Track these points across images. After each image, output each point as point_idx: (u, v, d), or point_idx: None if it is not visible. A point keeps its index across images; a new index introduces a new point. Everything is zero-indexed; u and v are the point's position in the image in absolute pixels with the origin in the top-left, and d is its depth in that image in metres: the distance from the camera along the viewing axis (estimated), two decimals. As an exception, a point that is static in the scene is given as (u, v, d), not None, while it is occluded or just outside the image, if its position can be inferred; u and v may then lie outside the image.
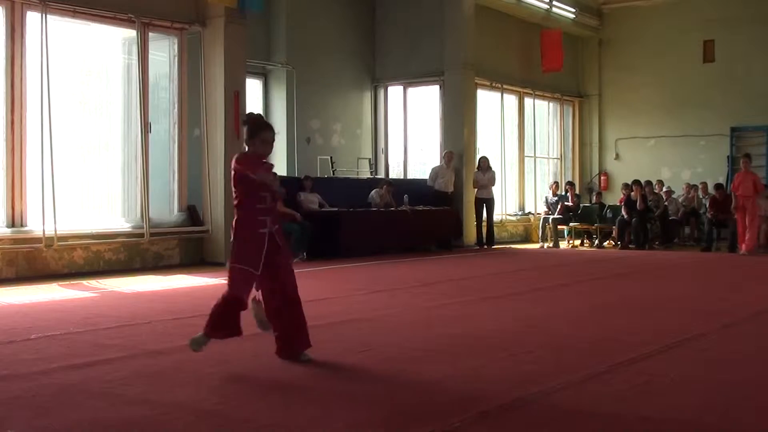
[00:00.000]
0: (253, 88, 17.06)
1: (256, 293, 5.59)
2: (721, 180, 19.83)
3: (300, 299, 5.62)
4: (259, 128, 5.57)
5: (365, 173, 19.06)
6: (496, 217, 19.46)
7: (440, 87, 19.26)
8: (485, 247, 18.13)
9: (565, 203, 19.80)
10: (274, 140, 5.68)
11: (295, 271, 5.63)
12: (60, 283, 10.76)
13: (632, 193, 18.48)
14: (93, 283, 10.93)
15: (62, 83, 12.54)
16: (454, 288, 10.50)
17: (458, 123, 18.51)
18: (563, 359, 5.73)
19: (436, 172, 18.02)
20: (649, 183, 19.41)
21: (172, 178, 13.71)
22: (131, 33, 13.08)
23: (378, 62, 19.86)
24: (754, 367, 5.60)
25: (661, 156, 22.42)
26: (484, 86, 20.15)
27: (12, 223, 11.50)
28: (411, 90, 20.08)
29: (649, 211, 18.38)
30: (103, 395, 4.70)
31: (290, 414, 4.34)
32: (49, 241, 11.57)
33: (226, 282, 5.56)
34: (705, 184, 20.11)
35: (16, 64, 11.58)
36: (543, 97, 22.68)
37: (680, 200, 20.00)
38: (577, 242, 19.83)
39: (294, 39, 17.45)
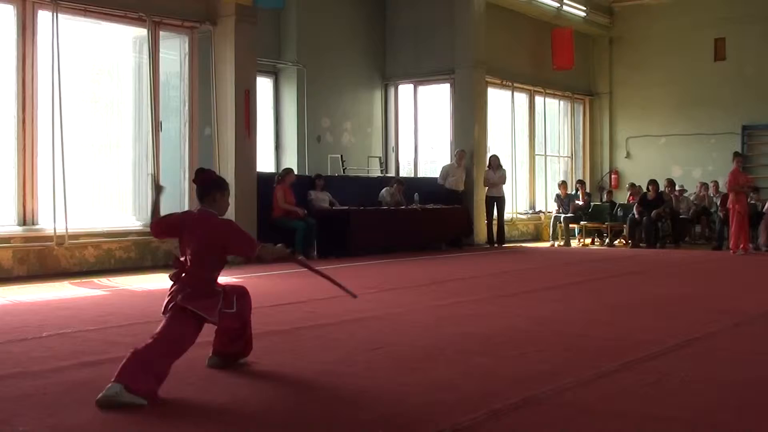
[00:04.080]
0: (264, 87, 17.09)
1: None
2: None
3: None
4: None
5: (376, 172, 19.06)
6: (507, 215, 19.44)
7: (451, 85, 19.27)
8: (496, 245, 18.11)
9: (576, 202, 19.80)
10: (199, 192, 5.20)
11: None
12: (71, 281, 10.79)
13: (648, 193, 18.44)
14: (104, 281, 10.96)
15: (73, 82, 12.58)
16: (464, 286, 10.49)
17: (469, 121, 18.50)
18: (574, 358, 5.72)
19: (446, 171, 18.02)
20: (671, 183, 19.47)
21: (183, 177, 13.73)
22: (142, 32, 13.11)
23: (388, 61, 19.87)
24: (766, 366, 5.58)
25: (672, 154, 22.36)
26: (494, 84, 20.14)
27: (23, 222, 11.55)
28: (421, 88, 20.08)
29: (665, 208, 18.30)
30: (114, 393, 4.70)
31: (299, 412, 4.34)
32: (60, 240, 11.61)
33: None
34: (716, 183, 20.06)
35: (28, 63, 11.63)
36: (554, 96, 22.65)
37: (692, 198, 19.98)
38: (588, 241, 19.81)
39: (305, 38, 17.47)
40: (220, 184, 5.23)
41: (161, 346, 4.68)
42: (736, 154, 17.02)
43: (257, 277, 11.23)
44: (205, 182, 5.20)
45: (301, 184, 15.09)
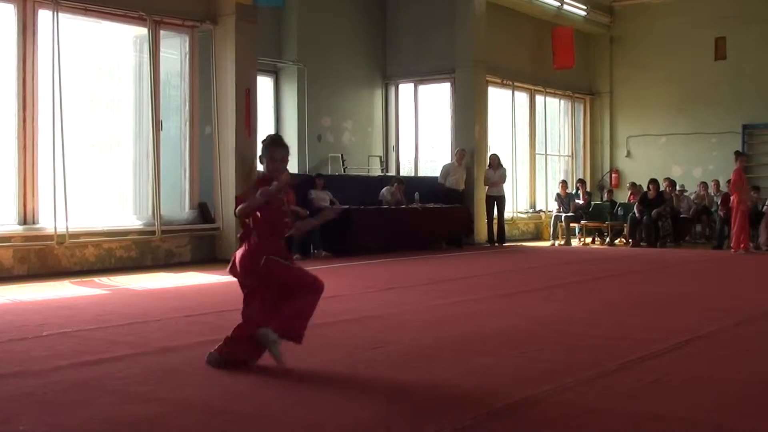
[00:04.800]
0: (265, 86, 17.08)
1: None
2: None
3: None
4: (267, 146, 5.56)
5: (376, 171, 19.06)
6: (507, 214, 19.42)
7: (451, 84, 19.26)
8: (496, 245, 18.10)
9: (576, 201, 19.80)
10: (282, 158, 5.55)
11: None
12: (71, 280, 10.79)
13: (649, 192, 18.43)
14: (104, 280, 10.96)
15: (74, 81, 12.58)
16: (465, 286, 10.49)
17: (469, 120, 18.50)
18: (574, 357, 5.72)
19: (447, 170, 18.02)
20: (671, 183, 19.49)
21: (184, 176, 13.73)
22: (143, 31, 13.11)
23: (389, 60, 19.87)
24: (766, 365, 5.58)
25: (673, 153, 22.36)
26: (495, 84, 20.12)
27: (24, 221, 11.54)
28: (422, 87, 20.08)
29: (665, 208, 18.28)
30: (114, 392, 4.71)
31: (300, 411, 4.34)
32: (60, 239, 11.60)
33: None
34: (717, 182, 20.06)
35: (28, 62, 11.62)
36: (554, 95, 22.64)
37: (692, 198, 19.97)
38: (589, 240, 19.81)
39: (305, 36, 17.47)
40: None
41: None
42: (738, 153, 17.01)
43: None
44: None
45: (302, 184, 15.09)
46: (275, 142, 5.59)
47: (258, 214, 5.31)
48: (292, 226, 5.51)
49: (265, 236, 5.33)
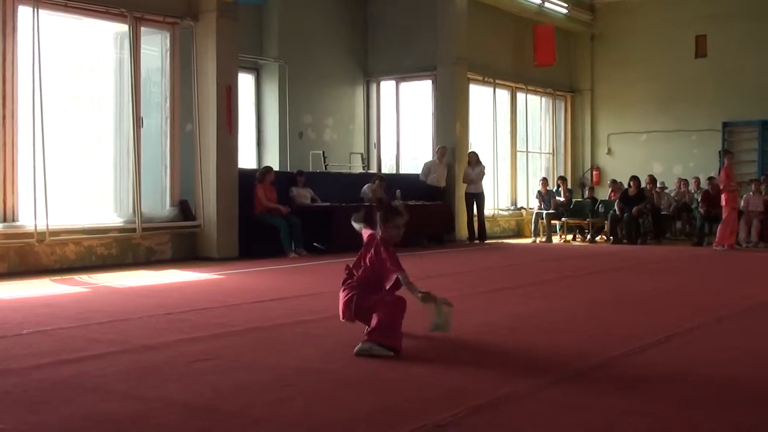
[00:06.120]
0: (246, 83, 17.05)
1: None
2: (713, 175, 19.83)
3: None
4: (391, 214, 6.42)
5: (357, 168, 19.06)
6: (489, 212, 19.47)
7: (433, 82, 19.29)
8: (477, 242, 18.13)
9: (557, 198, 19.86)
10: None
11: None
12: (52, 278, 10.74)
13: (629, 189, 18.51)
14: (85, 278, 10.91)
15: (54, 78, 12.51)
16: (445, 283, 10.48)
17: (450, 118, 18.53)
18: (555, 354, 5.74)
19: (428, 167, 18.05)
20: (653, 179, 19.59)
21: (164, 173, 13.69)
22: (123, 27, 13.05)
23: (370, 57, 19.87)
24: (747, 362, 5.61)
25: (653, 151, 22.48)
26: (476, 81, 20.17)
27: (3, 218, 11.46)
28: (403, 85, 20.09)
29: (646, 205, 18.37)
30: (95, 390, 4.69)
31: (281, 409, 4.34)
32: (40, 236, 11.54)
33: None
34: (698, 179, 20.17)
35: (8, 59, 11.53)
36: (535, 92, 22.71)
37: (672, 195, 20.07)
38: (569, 237, 19.88)
39: (286, 34, 17.45)
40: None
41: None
42: (726, 151, 17.11)
43: (239, 274, 11.22)
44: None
45: (283, 181, 15.06)
46: (398, 211, 6.47)
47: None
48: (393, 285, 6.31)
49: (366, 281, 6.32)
